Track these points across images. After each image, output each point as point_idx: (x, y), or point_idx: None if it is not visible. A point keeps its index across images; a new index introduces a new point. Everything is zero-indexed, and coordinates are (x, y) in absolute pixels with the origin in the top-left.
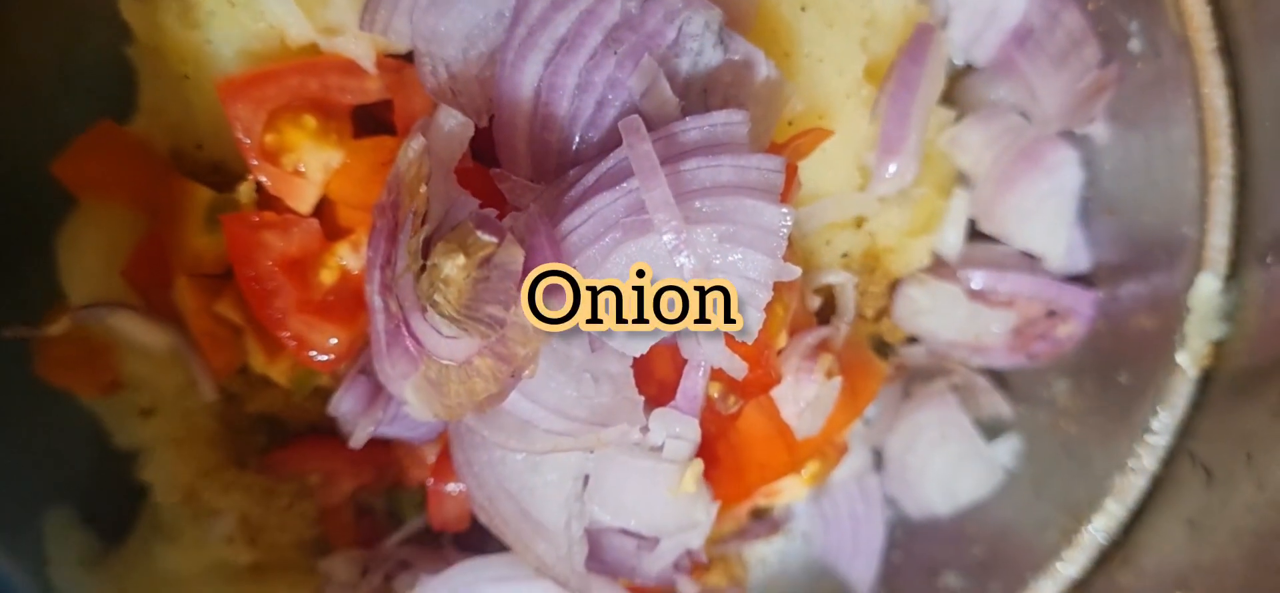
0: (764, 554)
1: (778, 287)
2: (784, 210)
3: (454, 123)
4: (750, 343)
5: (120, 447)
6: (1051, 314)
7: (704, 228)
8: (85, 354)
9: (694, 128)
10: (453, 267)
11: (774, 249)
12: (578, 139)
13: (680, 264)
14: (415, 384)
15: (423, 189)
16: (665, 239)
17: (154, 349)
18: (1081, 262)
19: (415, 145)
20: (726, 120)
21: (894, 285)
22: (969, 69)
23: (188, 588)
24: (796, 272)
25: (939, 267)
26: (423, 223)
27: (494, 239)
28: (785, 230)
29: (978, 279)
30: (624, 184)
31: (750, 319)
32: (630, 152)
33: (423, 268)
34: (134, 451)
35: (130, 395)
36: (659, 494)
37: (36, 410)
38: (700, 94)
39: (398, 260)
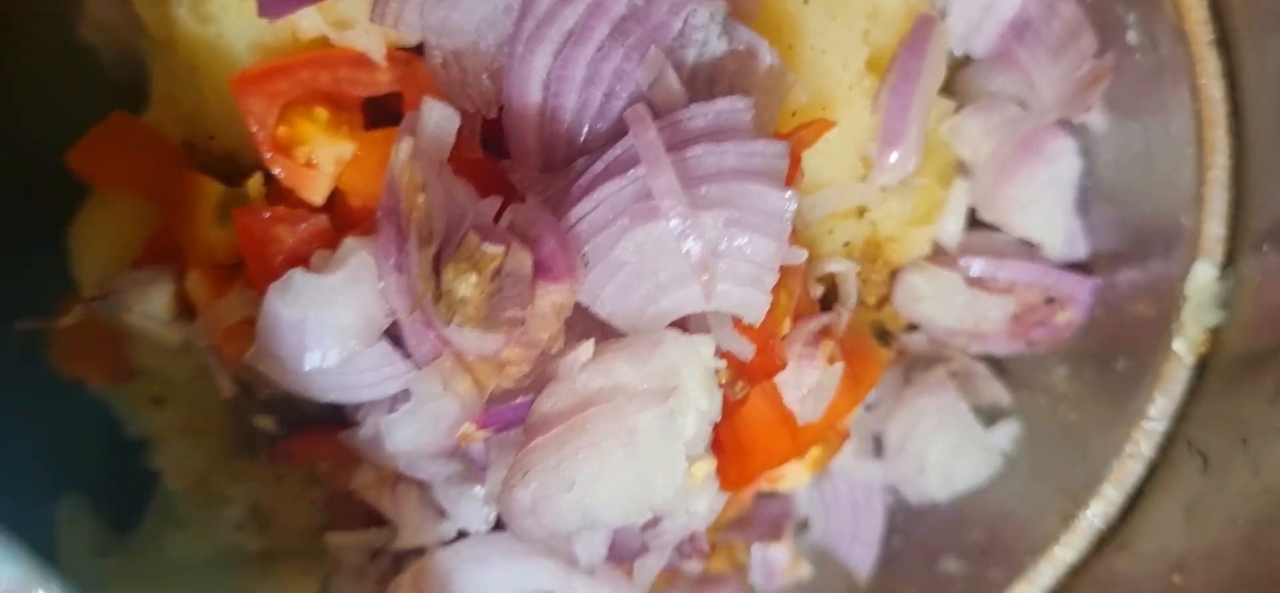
0: None
1: (782, 273)
2: (788, 194)
3: (438, 117)
4: (757, 325)
5: (131, 436)
6: (1050, 301)
7: (710, 213)
8: (98, 344)
9: (699, 115)
10: (467, 287)
11: (779, 232)
12: (586, 130)
13: (687, 249)
14: (443, 366)
15: (420, 199)
16: (672, 224)
17: (167, 340)
18: (1079, 250)
19: (404, 148)
20: (731, 107)
21: (895, 273)
22: (967, 60)
23: (198, 575)
24: (802, 255)
25: (939, 255)
26: (428, 239)
27: (500, 247)
28: (790, 213)
29: (977, 267)
30: (631, 171)
31: (756, 302)
32: (636, 139)
33: (438, 290)
34: (145, 439)
35: (142, 385)
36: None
37: (49, 399)
38: (706, 84)
39: (409, 267)
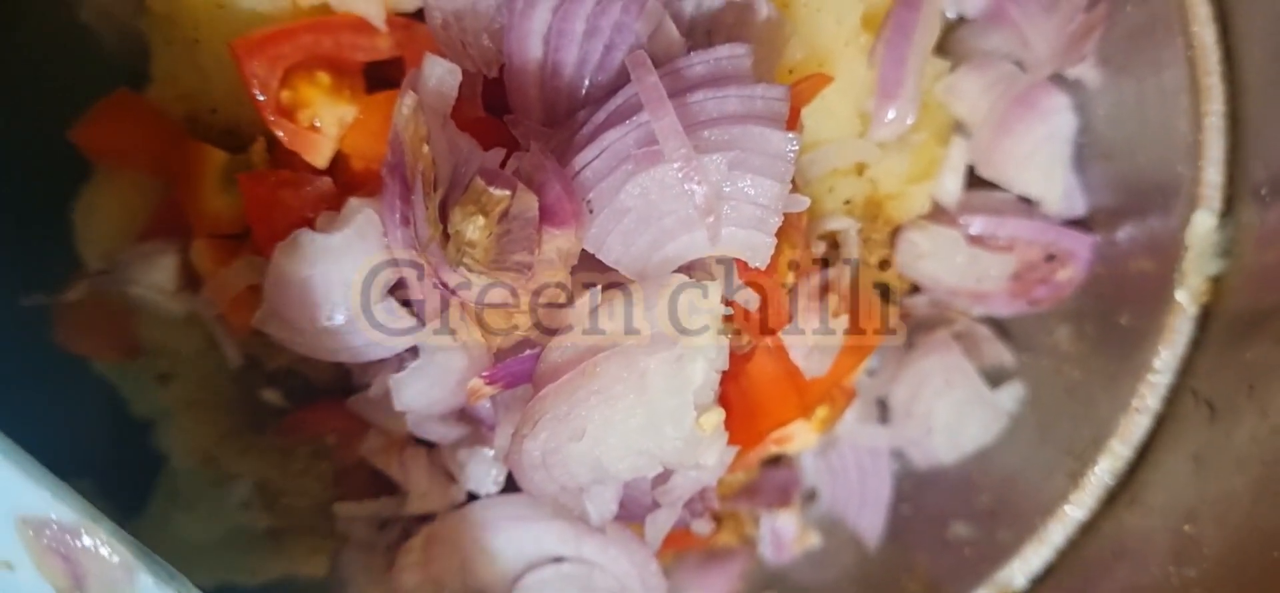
0: None
1: (784, 225)
2: (790, 136)
3: (441, 72)
4: (762, 267)
5: (137, 416)
6: (1051, 258)
7: (713, 155)
8: (103, 320)
9: (699, 62)
10: (474, 229)
11: (782, 174)
12: (587, 83)
13: (690, 191)
14: (451, 317)
15: (425, 149)
16: (675, 167)
17: (172, 313)
18: (1078, 206)
19: (408, 103)
20: (731, 54)
21: (896, 232)
22: (962, 21)
23: (206, 557)
24: (805, 202)
25: (939, 213)
26: (434, 187)
27: (507, 192)
28: (792, 154)
29: (977, 225)
30: (634, 118)
31: (761, 244)
32: (637, 84)
33: (445, 234)
34: (151, 419)
35: (148, 361)
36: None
37: (54, 383)
38: (704, 35)
39: (416, 221)
